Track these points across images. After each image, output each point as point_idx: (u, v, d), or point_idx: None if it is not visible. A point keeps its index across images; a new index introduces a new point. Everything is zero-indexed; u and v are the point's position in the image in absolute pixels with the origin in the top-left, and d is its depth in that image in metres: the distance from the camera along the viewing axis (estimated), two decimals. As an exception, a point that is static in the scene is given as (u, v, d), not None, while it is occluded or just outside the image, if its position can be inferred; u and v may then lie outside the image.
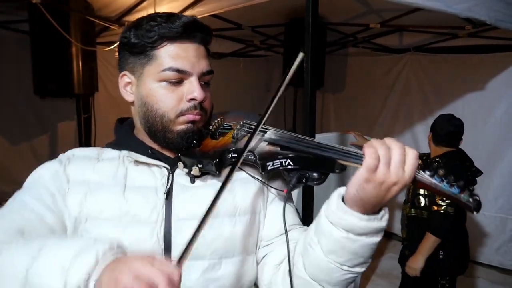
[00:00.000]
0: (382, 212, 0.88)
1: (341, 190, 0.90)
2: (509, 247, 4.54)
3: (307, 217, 2.24)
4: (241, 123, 1.11)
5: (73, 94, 3.65)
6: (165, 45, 1.01)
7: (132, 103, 1.10)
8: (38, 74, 3.55)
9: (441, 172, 0.82)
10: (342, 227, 0.87)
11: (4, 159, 3.78)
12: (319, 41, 4.58)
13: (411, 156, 0.82)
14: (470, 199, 0.80)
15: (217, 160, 1.00)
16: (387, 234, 5.14)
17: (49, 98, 3.88)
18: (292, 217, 1.13)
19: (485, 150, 4.53)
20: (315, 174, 0.93)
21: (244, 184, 1.08)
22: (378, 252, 0.85)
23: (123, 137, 1.14)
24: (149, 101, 1.04)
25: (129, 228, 0.98)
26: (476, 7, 2.68)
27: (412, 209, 2.98)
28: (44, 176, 1.03)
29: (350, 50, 5.68)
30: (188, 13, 3.10)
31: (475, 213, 0.81)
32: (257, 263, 1.12)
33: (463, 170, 2.88)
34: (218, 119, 1.14)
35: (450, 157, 2.93)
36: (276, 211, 1.10)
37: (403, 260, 3.05)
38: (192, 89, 1.02)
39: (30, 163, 1.12)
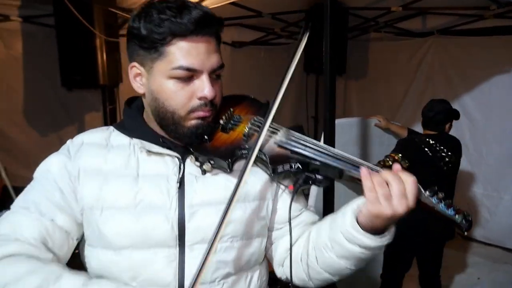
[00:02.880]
0: (391, 228, 0.97)
1: (355, 206, 0.98)
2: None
3: (328, 213, 2.26)
4: (252, 119, 1.11)
5: (99, 85, 3.75)
6: (175, 42, 0.98)
7: (143, 94, 1.08)
8: (65, 67, 3.67)
9: (440, 195, 0.91)
10: (357, 244, 0.96)
11: (34, 149, 3.89)
12: (340, 26, 4.53)
13: (410, 184, 0.89)
14: (463, 221, 0.90)
15: (229, 160, 1.03)
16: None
17: (75, 90, 4.01)
18: (300, 202, 1.19)
19: (514, 134, 4.43)
20: (320, 177, 0.99)
21: (254, 173, 1.10)
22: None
23: (133, 123, 1.12)
24: (160, 97, 1.02)
25: (144, 215, 1.01)
26: (501, -15, 2.62)
27: None
28: (51, 171, 1.05)
29: (372, 35, 5.58)
30: (207, 2, 3.12)
31: (465, 233, 0.92)
32: (271, 244, 1.19)
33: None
34: (228, 111, 1.13)
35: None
36: (287, 200, 1.14)
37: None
38: (203, 87, 1.00)
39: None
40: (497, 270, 4.20)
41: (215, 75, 1.05)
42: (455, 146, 3.06)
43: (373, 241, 0.94)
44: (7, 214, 1.03)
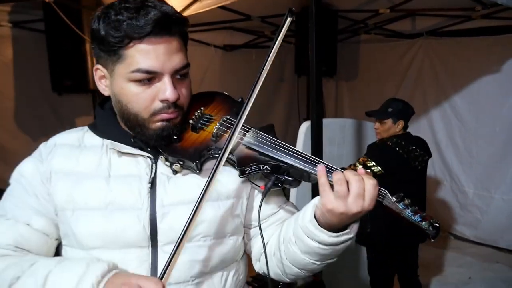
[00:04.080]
0: (351, 226, 0.97)
1: (316, 201, 0.99)
2: (530, 230, 4.48)
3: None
4: (222, 119, 1.10)
5: (89, 90, 3.75)
6: (133, 45, 0.95)
7: (109, 96, 1.07)
8: (55, 72, 3.69)
9: (406, 201, 0.91)
10: (314, 239, 0.97)
11: (24, 154, 3.82)
12: (330, 28, 4.56)
13: (370, 187, 0.90)
14: (430, 228, 0.90)
15: (198, 161, 1.03)
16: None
17: (66, 95, 4.01)
18: (278, 199, 1.19)
19: (503, 133, 4.48)
20: (290, 179, 1.00)
21: (228, 171, 1.10)
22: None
23: (105, 124, 1.11)
24: (122, 99, 1.01)
25: (115, 216, 1.01)
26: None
27: None
28: (25, 175, 1.06)
29: (362, 37, 5.63)
30: (195, 6, 3.13)
31: (432, 240, 0.91)
32: (249, 240, 1.21)
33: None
34: (199, 110, 1.11)
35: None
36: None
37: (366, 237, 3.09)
38: (164, 89, 0.98)
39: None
40: (488, 269, 4.22)
41: (179, 75, 1.03)
42: (424, 144, 3.09)
43: (329, 237, 0.95)
44: None
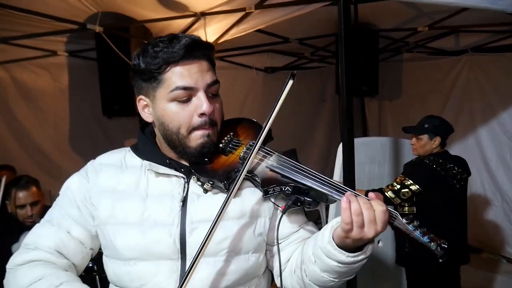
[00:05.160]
0: (366, 246, 1.04)
1: (334, 223, 1.06)
2: None
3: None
4: (249, 144, 1.19)
5: (136, 113, 3.93)
6: (170, 69, 1.10)
7: (153, 123, 1.20)
8: (105, 97, 3.94)
9: (415, 223, 0.96)
10: (333, 259, 1.03)
11: None
12: (371, 48, 4.57)
13: (380, 212, 0.97)
14: (438, 248, 0.93)
15: (226, 182, 1.12)
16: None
17: (115, 118, 4.26)
18: (299, 218, 1.25)
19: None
20: (309, 200, 1.08)
21: (252, 192, 1.19)
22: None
23: (145, 147, 1.24)
24: (165, 120, 1.14)
25: (149, 231, 1.12)
26: (523, 1, 2.58)
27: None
28: (71, 189, 1.22)
29: (405, 56, 5.56)
30: (233, 31, 3.27)
31: (440, 260, 0.94)
32: (272, 257, 1.26)
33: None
34: (228, 135, 1.22)
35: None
36: (284, 217, 1.19)
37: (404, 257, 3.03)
38: (201, 103, 1.11)
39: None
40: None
41: (211, 94, 1.15)
42: (463, 163, 3.01)
43: (346, 257, 1.02)
44: (36, 226, 1.23)
